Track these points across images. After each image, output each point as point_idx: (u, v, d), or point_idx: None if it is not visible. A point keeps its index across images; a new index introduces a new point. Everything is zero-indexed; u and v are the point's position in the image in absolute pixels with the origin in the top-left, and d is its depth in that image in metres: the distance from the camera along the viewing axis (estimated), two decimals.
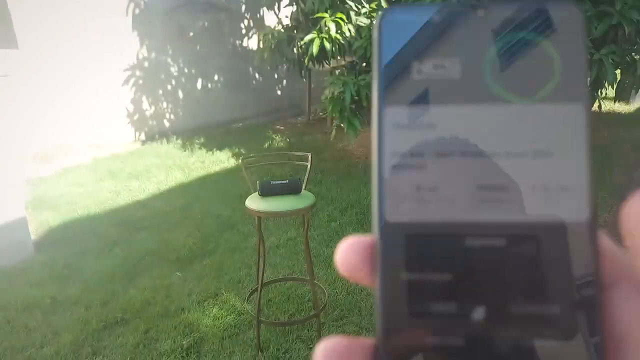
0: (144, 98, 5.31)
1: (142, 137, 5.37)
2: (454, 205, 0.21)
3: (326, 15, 3.91)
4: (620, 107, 6.76)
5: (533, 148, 0.21)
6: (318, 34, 3.83)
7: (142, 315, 2.41)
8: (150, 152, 5.01)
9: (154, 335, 2.27)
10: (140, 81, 5.24)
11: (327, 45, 3.78)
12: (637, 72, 3.29)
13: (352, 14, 3.98)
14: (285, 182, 2.05)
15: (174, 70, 5.55)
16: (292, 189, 2.04)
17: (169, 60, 5.50)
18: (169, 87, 5.55)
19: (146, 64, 5.26)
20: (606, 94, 4.84)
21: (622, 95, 3.61)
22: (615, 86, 3.53)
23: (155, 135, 5.47)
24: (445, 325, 0.20)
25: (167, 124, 5.60)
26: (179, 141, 5.33)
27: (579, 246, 0.20)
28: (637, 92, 3.54)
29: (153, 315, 2.41)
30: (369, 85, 3.67)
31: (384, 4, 4.04)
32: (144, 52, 5.23)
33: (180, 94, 5.67)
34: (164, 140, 5.35)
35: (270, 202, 1.99)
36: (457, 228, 0.21)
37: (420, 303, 0.21)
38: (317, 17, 4.01)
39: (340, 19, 3.87)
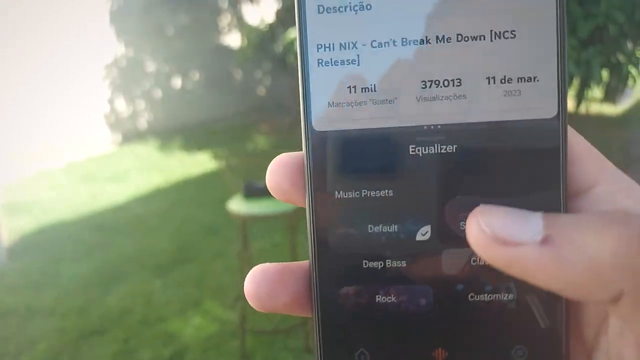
0: (120, 97, 5.16)
1: (119, 138, 5.21)
2: (395, 107, 0.18)
3: None
4: (608, 109, 6.86)
5: (490, 29, 0.17)
6: None
7: (121, 324, 2.30)
8: (127, 154, 4.86)
9: (134, 345, 2.17)
10: (117, 80, 5.09)
11: None
12: (623, 72, 3.31)
13: None
14: None
15: (151, 68, 5.41)
16: None
17: (147, 57, 5.35)
18: (147, 85, 5.40)
19: (123, 62, 5.11)
20: (593, 95, 4.90)
21: (609, 97, 3.63)
22: (602, 87, 3.54)
23: (132, 136, 5.32)
24: (386, 247, 0.18)
25: (144, 124, 5.45)
26: (158, 142, 5.19)
27: (545, 149, 0.17)
28: (623, 93, 3.56)
29: (132, 324, 2.30)
30: None
31: None
32: (122, 49, 5.08)
33: (159, 93, 5.53)
34: (142, 142, 5.20)
35: (255, 204, 1.92)
36: (399, 134, 0.18)
37: (357, 223, 0.19)
38: None
39: None
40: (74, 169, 4.43)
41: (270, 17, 5.02)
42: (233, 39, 6.17)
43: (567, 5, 0.17)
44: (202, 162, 4.62)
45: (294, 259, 2.07)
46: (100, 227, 3.30)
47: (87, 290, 2.58)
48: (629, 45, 3.53)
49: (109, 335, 2.22)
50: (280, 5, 4.40)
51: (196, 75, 5.85)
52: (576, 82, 3.42)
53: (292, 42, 3.81)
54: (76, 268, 2.80)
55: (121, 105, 5.14)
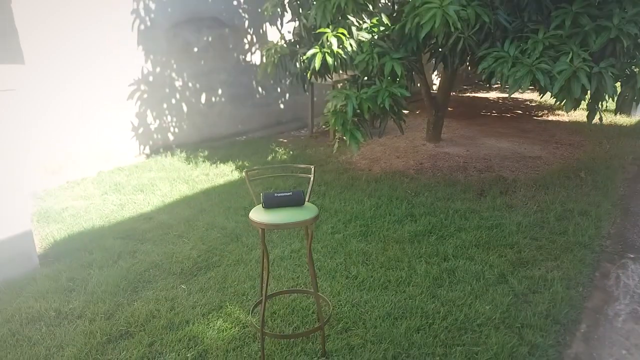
0: (148, 112, 5.37)
1: (147, 150, 5.41)
2: None
3: (328, 30, 3.96)
4: (622, 120, 6.79)
5: None
6: (320, 49, 3.88)
7: (147, 328, 2.41)
8: (154, 165, 5.04)
9: (159, 348, 2.27)
10: (145, 95, 5.30)
11: (329, 59, 3.83)
12: (637, 85, 3.32)
13: (353, 29, 4.04)
14: (288, 194, 2.06)
15: (178, 84, 5.62)
16: (296, 201, 2.05)
17: (174, 74, 5.56)
18: (174, 101, 5.60)
19: (151, 78, 5.33)
20: (607, 106, 4.87)
21: (622, 108, 3.63)
22: (615, 99, 3.55)
23: (159, 148, 5.51)
24: None
25: (171, 137, 5.64)
26: (183, 154, 5.36)
27: None
28: (637, 104, 3.55)
29: (157, 327, 2.41)
30: (370, 99, 3.70)
31: (384, 20, 4.10)
32: (149, 66, 5.30)
33: (185, 108, 5.72)
34: (169, 154, 5.38)
35: (273, 214, 2.01)
36: None
37: None
38: (319, 32, 4.06)
39: (342, 34, 3.92)
40: (104, 179, 4.62)
41: (289, 36, 5.18)
42: (255, 57, 6.36)
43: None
44: (225, 173, 4.77)
45: (312, 264, 2.15)
46: (128, 235, 3.45)
47: (115, 296, 2.70)
48: None
49: (135, 339, 2.32)
50: (298, 24, 4.55)
51: (220, 91, 6.04)
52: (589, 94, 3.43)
53: (310, 59, 3.94)
54: (104, 274, 2.93)
55: (150, 119, 5.35)
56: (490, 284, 2.74)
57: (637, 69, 3.37)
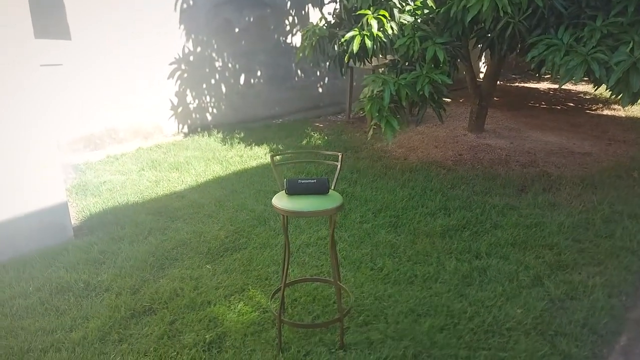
0: (188, 91, 5.42)
1: (185, 129, 5.49)
2: None
3: (369, 12, 3.82)
4: None
5: None
6: (359, 31, 3.75)
7: (170, 305, 2.44)
8: (191, 144, 5.11)
9: (179, 327, 2.29)
10: (186, 75, 5.35)
11: (368, 43, 3.70)
12: None
13: (395, 11, 3.88)
14: (312, 181, 2.00)
15: (218, 64, 5.63)
16: (320, 189, 1.99)
17: (214, 54, 5.57)
18: (213, 81, 5.63)
19: (191, 57, 5.36)
20: None
21: None
22: None
23: (197, 128, 5.57)
24: None
25: (209, 117, 5.69)
26: (220, 135, 5.40)
27: None
28: None
29: (180, 306, 2.43)
30: (409, 85, 3.56)
31: (429, 2, 3.91)
32: (190, 46, 5.33)
33: (224, 89, 5.74)
34: (206, 134, 5.43)
35: (296, 201, 1.96)
36: None
37: None
38: (359, 14, 3.93)
39: (383, 16, 3.77)
40: (142, 155, 4.72)
41: (330, 18, 5.05)
42: (296, 38, 6.28)
43: None
44: (259, 156, 4.76)
45: (334, 254, 2.09)
46: (160, 212, 3.51)
47: (142, 271, 2.76)
48: None
49: (157, 316, 2.36)
50: (339, 5, 4.42)
51: (259, 73, 6.01)
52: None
53: (349, 42, 3.82)
54: (134, 249, 2.99)
55: (189, 98, 5.40)
56: (524, 287, 2.59)
57: None
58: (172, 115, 5.34)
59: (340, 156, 2.17)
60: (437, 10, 3.82)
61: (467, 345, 2.15)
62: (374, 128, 3.85)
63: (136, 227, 3.27)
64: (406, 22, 3.80)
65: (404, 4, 3.96)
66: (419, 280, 2.64)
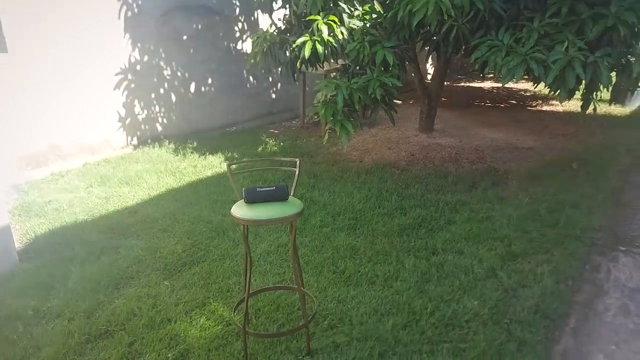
0: (136, 102, 5.26)
1: (134, 141, 5.31)
2: None
3: (318, 17, 3.86)
4: (616, 110, 6.73)
5: None
6: (310, 37, 3.78)
7: (127, 326, 2.35)
8: (142, 157, 4.95)
9: (139, 348, 2.21)
10: (133, 85, 5.18)
11: (320, 48, 3.74)
12: (633, 74, 3.25)
13: (344, 16, 3.94)
14: (271, 188, 1.99)
15: (166, 73, 5.50)
16: (279, 196, 1.99)
17: (162, 63, 5.44)
18: (162, 90, 5.49)
19: (138, 67, 5.21)
20: (601, 96, 4.81)
21: (617, 98, 3.57)
22: (610, 89, 3.48)
23: (147, 139, 5.41)
24: None
25: (159, 128, 5.54)
26: (172, 145, 5.27)
27: None
28: (632, 94, 3.49)
29: (138, 326, 2.34)
30: (361, 89, 3.62)
31: (377, 6, 4.00)
32: (137, 55, 5.18)
33: (174, 98, 5.61)
34: (157, 145, 5.28)
35: (256, 209, 1.94)
36: None
37: None
38: (309, 20, 3.96)
39: (333, 21, 3.82)
40: (89, 171, 4.52)
41: (280, 24, 5.06)
42: (246, 45, 6.24)
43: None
44: (213, 165, 4.68)
45: (296, 260, 2.09)
46: (112, 229, 3.37)
47: (96, 293, 2.63)
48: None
49: (115, 338, 2.26)
50: (289, 11, 4.43)
51: (210, 81, 5.92)
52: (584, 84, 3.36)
53: (300, 48, 3.84)
54: (86, 270, 2.86)
55: (137, 109, 5.24)
56: (479, 279, 2.69)
57: (634, 59, 3.30)
58: (120, 127, 5.16)
59: (298, 162, 2.18)
60: (384, 15, 3.91)
61: (429, 340, 2.21)
62: (328, 132, 3.88)
63: (87, 247, 3.13)
64: (355, 27, 3.87)
65: (352, 9, 4.03)
66: (380, 280, 2.68)
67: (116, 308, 2.48)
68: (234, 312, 2.28)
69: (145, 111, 5.36)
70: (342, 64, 4.22)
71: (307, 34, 3.83)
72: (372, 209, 3.57)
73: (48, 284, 2.72)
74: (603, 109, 6.59)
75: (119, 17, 4.97)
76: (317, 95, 3.80)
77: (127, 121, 5.21)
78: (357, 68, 3.97)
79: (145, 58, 5.27)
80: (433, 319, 2.34)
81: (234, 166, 2.48)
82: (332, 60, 4.15)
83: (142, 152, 5.11)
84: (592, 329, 2.33)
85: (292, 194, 2.11)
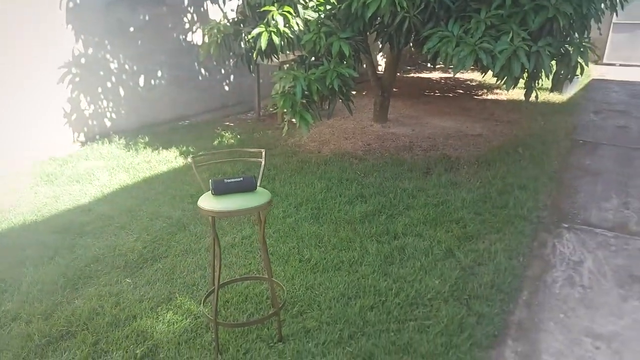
0: (82, 97, 5.01)
1: (82, 138, 5.07)
2: None
3: (273, 8, 3.84)
4: (555, 97, 7.17)
5: None
6: (266, 28, 3.76)
7: (90, 326, 2.27)
8: (91, 153, 4.74)
9: (104, 346, 2.15)
10: (77, 79, 4.94)
11: (276, 39, 3.73)
12: (572, 63, 3.49)
13: (299, 7, 3.94)
14: (239, 179, 1.99)
15: (113, 66, 5.28)
16: (247, 187, 1.99)
17: (108, 56, 5.21)
18: (109, 84, 5.27)
19: (83, 60, 4.96)
20: (542, 84, 5.11)
21: (556, 86, 3.81)
22: (551, 77, 3.71)
23: (95, 135, 5.18)
24: None
25: (108, 123, 5.32)
26: (122, 141, 5.08)
27: None
28: (571, 82, 3.74)
29: (102, 325, 2.28)
30: (319, 80, 3.65)
31: None
32: (80, 47, 4.93)
33: (122, 92, 5.40)
34: (106, 141, 5.08)
35: (224, 201, 1.93)
36: None
37: None
38: (264, 11, 3.94)
39: (288, 12, 3.82)
40: (35, 170, 4.28)
41: (232, 15, 4.99)
42: (196, 36, 6.09)
43: None
44: (168, 160, 4.57)
45: (265, 250, 2.10)
46: (65, 229, 3.22)
47: (53, 294, 2.53)
48: (577, 36, 3.71)
49: (78, 338, 2.19)
50: (243, 2, 4.38)
51: (160, 74, 5.74)
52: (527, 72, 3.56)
53: (256, 39, 3.81)
54: (40, 272, 2.72)
55: (84, 104, 4.99)
56: (439, 259, 2.81)
57: (572, 48, 3.53)
58: (66, 124, 4.91)
59: (264, 152, 2.18)
60: (338, 6, 3.95)
61: (396, 319, 2.29)
62: (287, 123, 3.89)
63: (39, 248, 2.98)
64: (311, 18, 3.89)
65: (307, 1, 4.04)
66: (345, 266, 2.74)
67: (76, 308, 2.39)
68: (203, 303, 2.26)
69: (92, 106, 5.13)
70: (298, 55, 4.23)
71: (262, 25, 3.81)
72: (333, 198, 3.63)
73: (0, 288, 2.57)
74: (543, 96, 7.00)
75: (60, 7, 4.71)
76: (274, 86, 3.79)
77: (73, 117, 4.97)
78: (313, 59, 3.99)
79: (90, 50, 5.03)
80: (398, 299, 2.43)
81: (198, 158, 2.44)
82: (287, 52, 4.15)
83: (91, 148, 4.89)
84: (542, 300, 2.51)
85: (259, 184, 2.12)
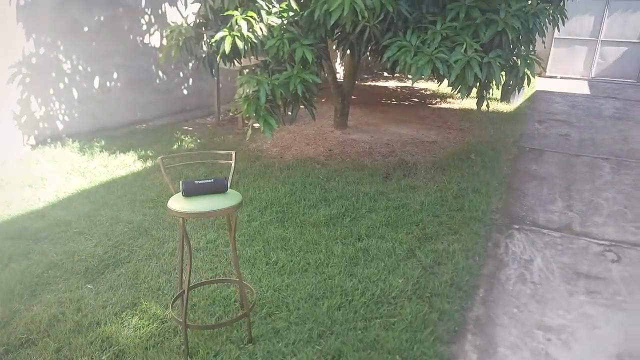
0: (32, 98, 4.80)
1: (32, 141, 4.85)
2: None
3: (236, 12, 3.86)
4: (503, 107, 7.58)
5: None
6: (229, 32, 3.77)
7: (51, 333, 2.20)
8: (42, 157, 4.55)
9: (67, 353, 2.09)
10: (28, 79, 4.73)
11: (240, 43, 3.75)
12: (520, 74, 3.73)
13: (263, 12, 3.99)
14: (210, 181, 2.00)
15: (66, 67, 5.09)
16: (218, 188, 2.00)
17: (61, 56, 5.03)
18: (62, 85, 5.08)
19: (34, 60, 4.76)
20: (492, 94, 5.40)
21: (505, 96, 4.06)
22: (501, 87, 3.95)
23: (47, 138, 4.97)
24: None
25: (60, 126, 5.12)
26: (76, 144, 4.90)
27: None
28: (519, 92, 3.99)
29: (64, 332, 2.21)
30: (282, 85, 3.70)
31: (293, 4, 4.11)
32: (31, 47, 4.73)
33: (75, 94, 5.22)
34: (59, 144, 4.88)
35: (195, 202, 1.94)
36: None
37: None
38: (227, 15, 3.95)
39: (251, 17, 3.86)
40: None
41: (192, 17, 4.95)
42: (154, 39, 5.98)
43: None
44: (126, 164, 4.45)
45: (235, 252, 2.12)
46: (18, 235, 3.08)
47: (9, 302, 2.42)
48: (523, 49, 3.97)
49: (39, 346, 2.11)
50: (204, 6, 4.36)
51: (116, 76, 5.59)
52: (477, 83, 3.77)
53: (219, 43, 3.82)
54: None
55: (34, 106, 4.78)
56: (401, 259, 2.93)
57: (519, 60, 3.78)
58: (15, 126, 4.68)
59: (234, 154, 2.21)
60: (301, 13, 4.03)
61: (362, 318, 2.37)
62: (251, 128, 3.91)
63: None
64: (274, 24, 3.94)
65: (270, 6, 4.09)
66: (312, 267, 2.80)
67: (36, 315, 2.30)
68: (170, 307, 2.24)
69: (44, 108, 4.92)
70: (261, 60, 4.26)
71: (225, 29, 3.82)
72: (297, 201, 3.68)
73: None
74: (492, 106, 7.38)
75: (10, 3, 4.50)
76: (237, 90, 3.80)
77: (23, 119, 4.75)
78: (276, 64, 4.04)
79: (42, 50, 4.84)
80: (364, 299, 2.51)
81: (166, 160, 2.41)
82: (251, 56, 4.18)
83: (42, 151, 4.69)
84: (497, 297, 2.67)
85: (229, 186, 2.14)
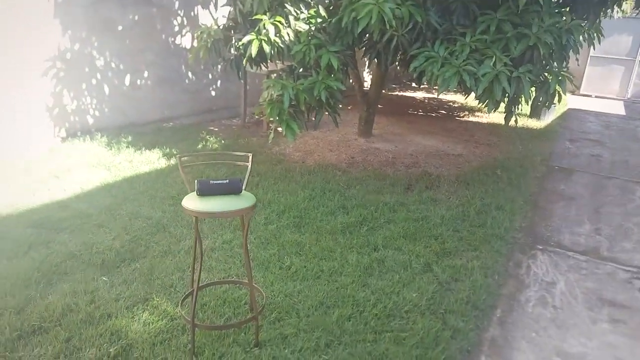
0: (65, 92, 4.94)
1: (62, 133, 4.99)
2: None
3: (265, 17, 3.89)
4: (533, 123, 7.40)
5: None
6: (257, 36, 3.80)
7: (63, 322, 2.23)
8: (71, 149, 4.67)
9: (77, 343, 2.11)
10: (62, 73, 4.87)
11: (266, 47, 3.77)
12: (550, 90, 3.63)
13: (290, 18, 4.00)
14: (225, 181, 2.00)
15: (99, 63, 5.23)
16: (233, 189, 2.00)
17: (95, 53, 5.17)
18: (94, 81, 5.21)
19: (68, 55, 4.91)
20: (522, 109, 5.28)
21: (535, 112, 3.96)
22: (530, 103, 3.85)
23: (77, 132, 5.10)
24: None
25: (90, 120, 5.25)
26: (104, 139, 5.01)
27: None
28: (549, 109, 3.88)
29: (75, 322, 2.23)
30: (307, 90, 3.70)
31: (322, 12, 4.11)
32: (66, 42, 4.88)
33: (107, 89, 5.35)
34: (87, 138, 5.00)
35: (208, 202, 1.94)
36: None
37: None
38: (255, 19, 3.98)
39: (279, 22, 3.88)
40: (12, 163, 4.18)
41: (222, 20, 5.02)
42: (185, 40, 6.09)
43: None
44: (151, 161, 4.53)
45: (247, 254, 2.11)
46: (40, 224, 3.16)
47: (26, 289, 2.47)
48: (556, 65, 3.86)
49: (50, 334, 2.14)
50: (234, 9, 4.41)
51: (146, 74, 5.71)
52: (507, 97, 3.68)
53: (246, 46, 3.85)
54: (13, 266, 2.66)
55: (66, 99, 4.92)
56: (417, 273, 2.86)
57: (550, 76, 3.68)
58: (47, 118, 4.82)
59: (250, 156, 2.20)
60: (329, 20, 4.03)
61: (373, 330, 2.32)
62: (273, 131, 3.92)
63: (13, 242, 2.91)
64: (301, 30, 3.95)
65: (298, 12, 4.11)
66: (325, 275, 2.76)
67: (50, 304, 2.34)
68: (180, 305, 2.24)
69: (75, 102, 5.06)
70: (287, 65, 4.28)
71: (253, 33, 3.85)
72: (316, 207, 3.65)
73: None
74: (522, 122, 7.22)
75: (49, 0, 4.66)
76: (262, 94, 3.82)
77: (55, 112, 4.89)
78: (302, 70, 4.05)
79: (77, 46, 4.98)
80: (376, 310, 2.46)
81: (184, 159, 2.43)
82: (277, 61, 4.20)
83: (72, 144, 4.82)
84: (515, 318, 2.57)
85: (244, 188, 2.13)
